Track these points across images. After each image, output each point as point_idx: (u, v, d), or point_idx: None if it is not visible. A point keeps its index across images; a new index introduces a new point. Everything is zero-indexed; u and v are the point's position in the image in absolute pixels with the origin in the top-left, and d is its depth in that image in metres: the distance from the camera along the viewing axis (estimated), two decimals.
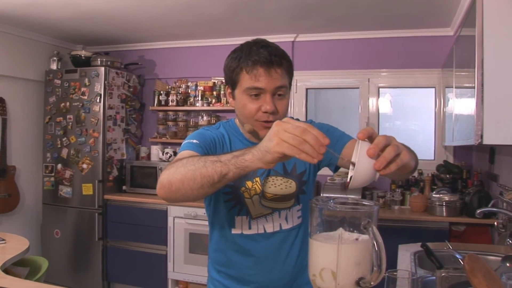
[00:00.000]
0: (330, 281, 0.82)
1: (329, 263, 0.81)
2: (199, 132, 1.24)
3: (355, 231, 0.82)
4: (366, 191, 3.45)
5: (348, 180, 0.83)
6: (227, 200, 1.24)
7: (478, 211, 1.81)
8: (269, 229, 1.25)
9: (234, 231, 1.25)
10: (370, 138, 0.80)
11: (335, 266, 0.80)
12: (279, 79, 1.14)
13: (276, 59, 1.13)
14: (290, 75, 1.19)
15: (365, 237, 0.82)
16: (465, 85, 2.14)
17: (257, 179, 1.23)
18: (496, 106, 1.64)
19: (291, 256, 1.28)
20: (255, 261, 1.27)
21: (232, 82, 1.19)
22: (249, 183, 1.23)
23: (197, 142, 1.16)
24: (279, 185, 1.24)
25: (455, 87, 2.59)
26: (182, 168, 0.94)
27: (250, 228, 1.25)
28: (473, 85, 1.71)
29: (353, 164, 0.82)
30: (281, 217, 1.26)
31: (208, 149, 1.17)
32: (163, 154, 3.97)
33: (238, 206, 1.24)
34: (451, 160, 3.49)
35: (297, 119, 1.34)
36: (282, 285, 1.29)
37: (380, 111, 3.77)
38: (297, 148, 0.77)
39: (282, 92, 1.16)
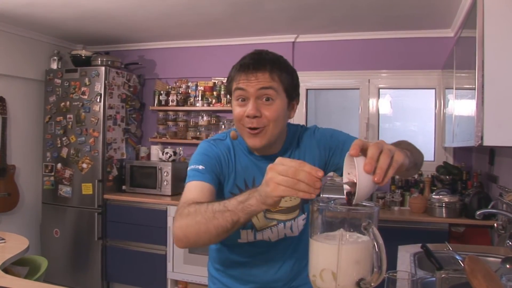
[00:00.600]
0: (330, 281, 0.82)
1: (329, 263, 0.81)
2: (204, 151, 1.22)
3: (355, 232, 0.82)
4: None
5: (346, 196, 0.84)
6: None
7: (478, 213, 1.81)
8: (274, 239, 1.27)
9: (240, 241, 1.26)
10: (362, 149, 0.79)
11: (335, 267, 0.80)
12: (259, 83, 1.12)
13: (251, 63, 1.13)
14: (283, 80, 1.15)
15: (365, 238, 0.82)
16: (465, 86, 2.14)
17: None
18: (496, 108, 1.64)
19: (291, 257, 1.29)
20: (255, 263, 1.28)
21: (229, 92, 1.22)
22: None
23: (203, 168, 1.16)
24: (284, 198, 1.25)
25: (455, 88, 2.59)
26: (193, 222, 0.96)
27: (255, 238, 1.26)
28: (474, 86, 1.71)
29: (349, 184, 0.83)
30: (286, 228, 1.26)
31: (215, 171, 1.18)
32: (163, 154, 3.97)
33: None
34: (451, 161, 3.49)
35: (304, 124, 1.33)
36: (281, 285, 1.29)
37: (380, 112, 3.77)
38: (293, 189, 0.80)
39: (269, 96, 1.13)
